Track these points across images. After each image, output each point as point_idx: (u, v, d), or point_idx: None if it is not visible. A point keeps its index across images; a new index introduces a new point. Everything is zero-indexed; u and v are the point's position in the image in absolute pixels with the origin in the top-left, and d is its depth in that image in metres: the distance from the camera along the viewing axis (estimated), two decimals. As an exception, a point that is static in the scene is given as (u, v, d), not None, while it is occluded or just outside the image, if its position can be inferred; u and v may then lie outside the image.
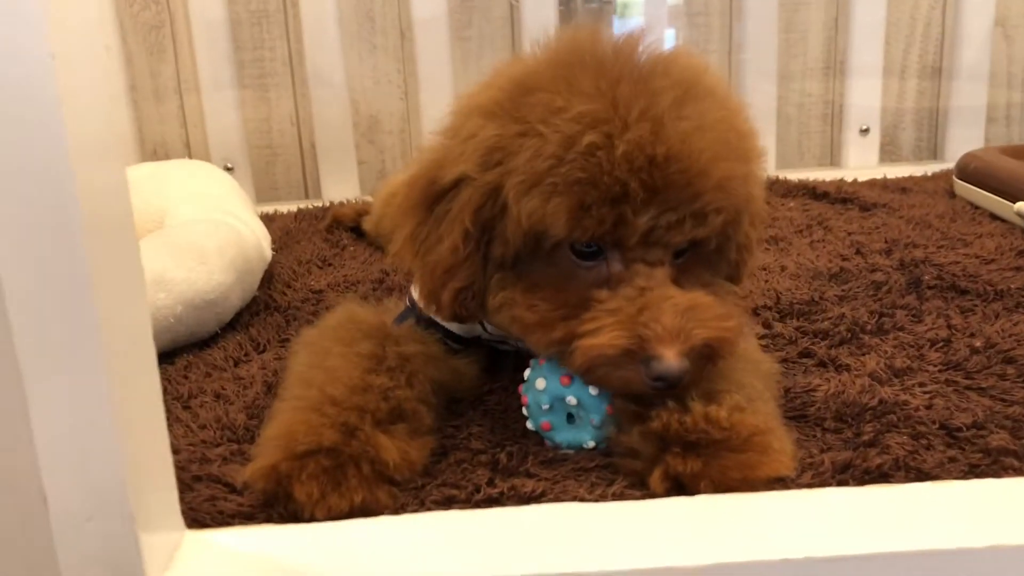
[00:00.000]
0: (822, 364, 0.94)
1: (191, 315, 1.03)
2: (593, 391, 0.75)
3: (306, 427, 0.71)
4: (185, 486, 0.75)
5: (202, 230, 1.09)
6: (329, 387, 0.75)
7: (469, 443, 0.80)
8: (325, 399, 0.74)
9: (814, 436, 0.79)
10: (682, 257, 0.75)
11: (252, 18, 1.88)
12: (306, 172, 1.98)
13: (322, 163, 1.90)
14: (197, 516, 0.70)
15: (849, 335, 1.00)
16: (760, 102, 1.95)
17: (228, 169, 1.85)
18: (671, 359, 0.67)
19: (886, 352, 0.95)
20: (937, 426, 0.78)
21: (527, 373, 0.79)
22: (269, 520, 0.69)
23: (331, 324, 0.86)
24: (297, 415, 0.73)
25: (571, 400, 0.76)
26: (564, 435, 0.77)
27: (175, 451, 0.82)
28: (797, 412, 0.83)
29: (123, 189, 0.56)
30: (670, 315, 0.69)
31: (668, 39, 1.94)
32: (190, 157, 1.84)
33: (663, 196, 0.69)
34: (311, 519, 0.68)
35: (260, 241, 1.22)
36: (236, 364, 1.02)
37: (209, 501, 0.72)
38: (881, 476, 0.71)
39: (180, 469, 0.77)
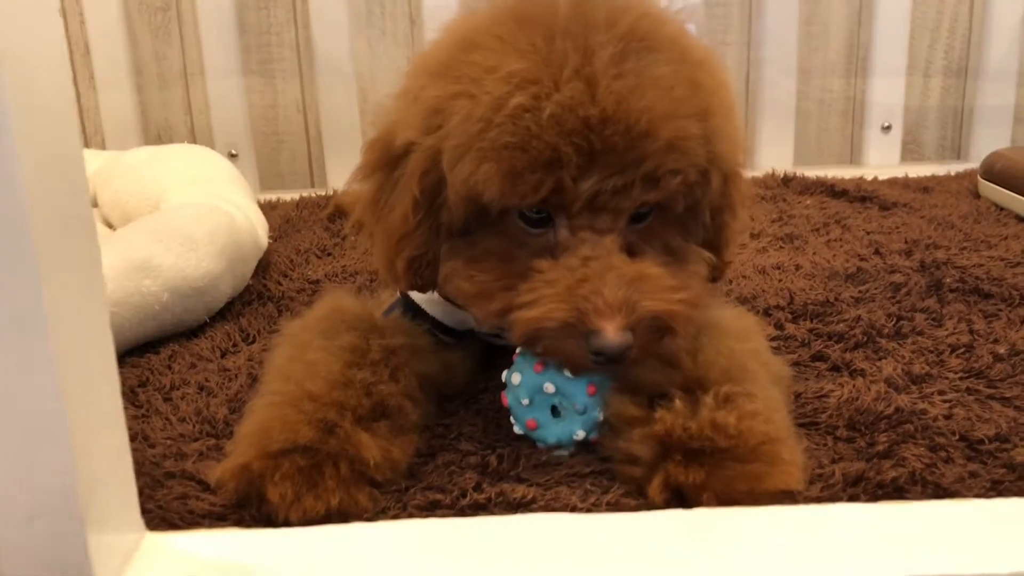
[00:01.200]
0: (835, 368, 0.90)
1: (178, 303, 0.99)
2: (569, 373, 0.71)
3: (281, 424, 0.67)
4: (156, 483, 0.71)
5: (192, 215, 1.05)
6: (308, 382, 0.71)
7: (459, 444, 0.76)
8: (303, 394, 0.70)
9: (825, 445, 0.75)
10: (643, 221, 0.71)
11: (259, 2, 1.84)
12: (312, 160, 1.94)
13: (328, 151, 1.86)
14: (166, 515, 0.66)
15: (865, 339, 0.96)
16: (779, 97, 1.89)
17: (232, 156, 1.82)
18: (610, 334, 0.63)
19: (904, 357, 0.90)
20: (957, 437, 0.74)
21: (505, 374, 0.75)
22: (241, 522, 0.66)
23: (315, 316, 0.82)
24: (273, 411, 0.69)
25: (549, 388, 0.72)
26: (552, 431, 0.73)
27: (150, 445, 0.78)
28: (808, 419, 0.79)
29: (78, 179, 0.52)
30: (613, 286, 0.64)
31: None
32: (194, 142, 1.80)
33: (603, 160, 0.65)
34: (285, 522, 0.64)
35: (255, 228, 1.18)
36: (223, 355, 0.99)
37: (180, 499, 0.69)
38: (895, 491, 0.66)
39: (153, 464, 0.74)
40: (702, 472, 0.64)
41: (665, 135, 0.65)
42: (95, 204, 1.44)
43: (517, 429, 0.75)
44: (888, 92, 1.92)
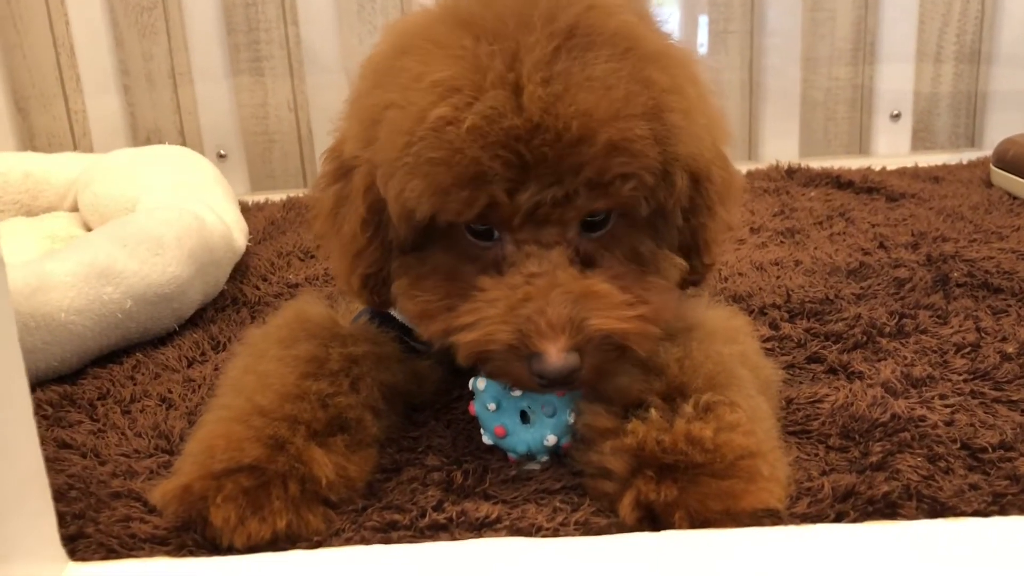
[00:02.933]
0: (832, 371, 0.85)
1: (143, 310, 0.95)
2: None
3: (226, 442, 0.63)
4: (101, 504, 0.67)
5: (161, 218, 1.01)
6: (258, 395, 0.66)
7: (425, 458, 0.72)
8: (252, 409, 0.65)
9: (816, 455, 0.70)
10: (601, 229, 0.65)
11: (247, -1, 1.80)
12: (304, 160, 1.90)
13: (320, 150, 1.80)
14: (104, 540, 0.63)
15: (864, 338, 0.91)
16: (783, 87, 1.83)
17: (221, 157, 1.78)
18: (552, 356, 0.59)
19: (905, 358, 0.85)
20: (958, 446, 0.69)
21: (472, 381, 0.70)
22: (183, 548, 0.62)
23: (276, 323, 0.78)
24: (219, 428, 0.65)
25: (515, 391, 0.68)
26: (522, 438, 0.69)
27: (101, 462, 0.74)
28: (799, 426, 0.74)
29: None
30: (557, 305, 0.60)
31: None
32: (183, 144, 1.77)
33: (537, 171, 0.60)
34: (230, 548, 0.60)
35: (230, 232, 1.14)
36: (190, 364, 0.95)
37: (122, 522, 0.65)
38: (888, 507, 0.61)
39: (100, 484, 0.70)
40: (675, 489, 0.59)
41: (603, 139, 0.59)
42: (75, 208, 1.41)
43: (486, 439, 0.71)
44: (897, 79, 1.85)
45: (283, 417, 0.65)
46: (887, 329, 0.92)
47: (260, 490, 0.61)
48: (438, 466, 0.70)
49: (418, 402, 0.79)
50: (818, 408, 0.76)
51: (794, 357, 0.88)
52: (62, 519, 0.64)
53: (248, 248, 1.28)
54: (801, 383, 0.83)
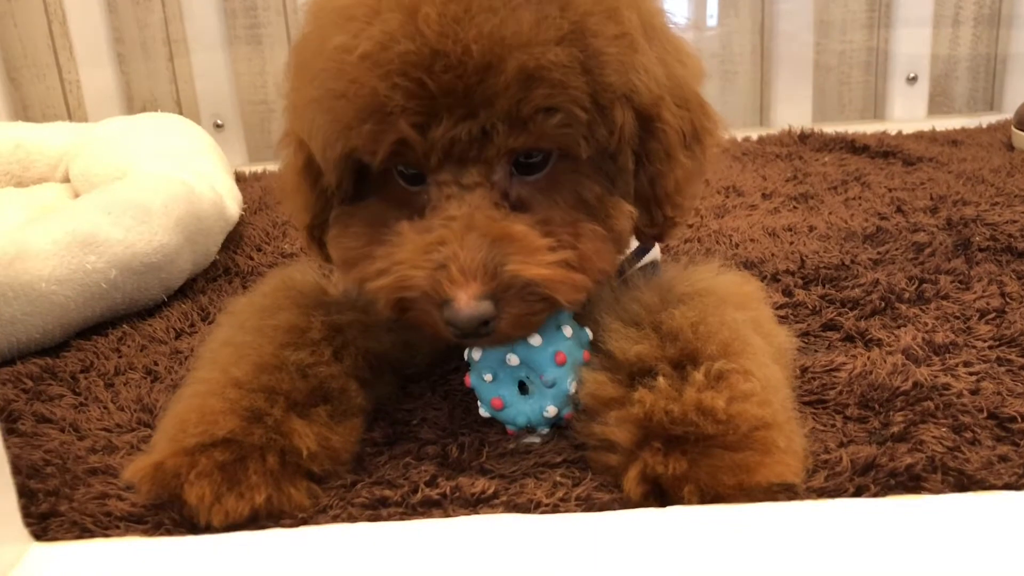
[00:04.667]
0: (849, 339, 0.81)
1: (129, 280, 0.91)
2: (534, 340, 0.63)
3: (199, 415, 0.59)
4: (77, 480, 0.64)
5: (147, 186, 0.98)
6: (233, 367, 0.63)
7: (419, 431, 0.68)
8: (227, 381, 0.62)
9: (833, 426, 0.66)
10: (539, 172, 0.61)
11: (243, -38, 1.75)
12: (304, 129, 1.85)
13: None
14: (78, 519, 0.59)
15: (883, 304, 0.87)
16: (796, 51, 1.78)
17: (218, 127, 1.74)
18: (462, 303, 0.55)
19: (926, 325, 0.81)
20: (985, 415, 0.65)
21: (467, 351, 0.66)
22: (160, 527, 0.58)
23: (260, 292, 0.74)
24: (193, 402, 0.61)
25: (512, 359, 0.64)
26: (521, 409, 0.65)
27: (80, 436, 0.71)
28: (815, 396, 0.71)
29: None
30: (471, 249, 0.56)
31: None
32: (180, 113, 1.72)
33: (445, 103, 0.55)
34: (208, 526, 0.56)
35: (222, 200, 1.10)
36: (178, 336, 0.91)
37: (98, 500, 0.61)
38: (911, 480, 0.57)
39: (77, 460, 0.67)
40: (684, 462, 0.56)
41: (513, 66, 0.54)
42: (67, 179, 1.37)
43: (483, 411, 0.67)
44: (914, 42, 1.79)
45: (260, 388, 0.61)
46: (906, 295, 0.88)
47: (236, 464, 0.57)
48: (432, 439, 0.67)
49: (411, 372, 0.76)
50: (835, 377, 0.72)
51: (809, 324, 0.85)
52: (34, 497, 0.61)
53: (243, 218, 1.24)
54: (816, 351, 0.79)
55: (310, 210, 0.67)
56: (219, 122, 1.75)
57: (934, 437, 0.61)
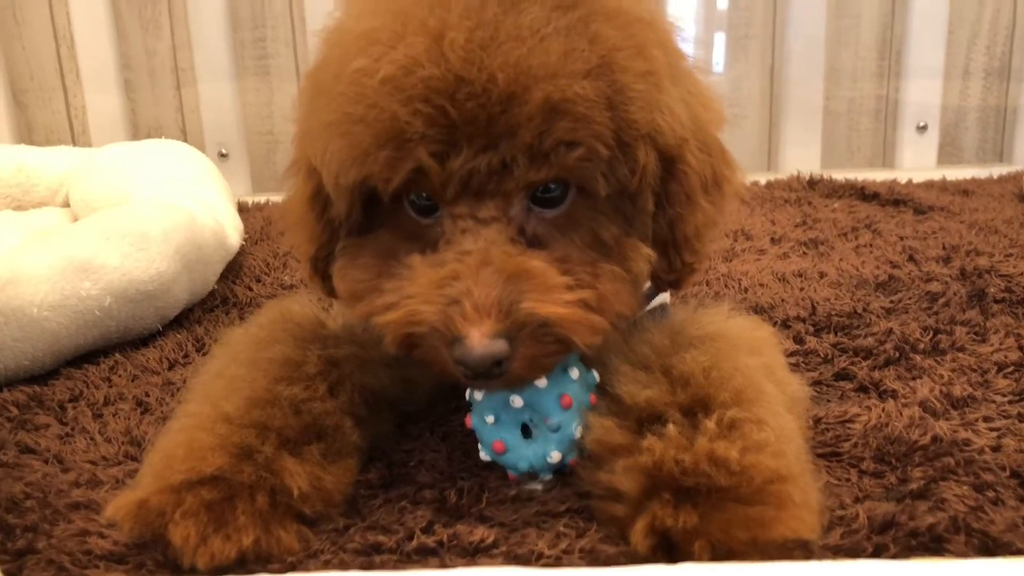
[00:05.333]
0: (862, 389, 0.79)
1: (124, 308, 0.89)
2: (539, 382, 0.61)
3: (187, 451, 0.57)
4: (57, 515, 0.62)
5: (147, 212, 0.96)
6: (224, 401, 0.60)
7: (417, 474, 0.66)
8: (217, 416, 0.59)
9: (847, 480, 0.64)
10: (556, 207, 0.59)
11: (253, -7, 1.75)
12: (309, 161, 1.84)
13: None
14: (55, 557, 0.57)
15: (897, 355, 0.84)
16: (806, 97, 1.77)
17: (223, 156, 1.73)
18: (475, 341, 0.53)
19: (942, 377, 0.79)
20: (1007, 474, 0.63)
21: (469, 391, 0.64)
22: (142, 567, 0.55)
23: (257, 323, 0.72)
24: (181, 436, 0.58)
25: (516, 401, 0.62)
26: (523, 454, 0.63)
27: (65, 469, 0.69)
28: (828, 448, 0.68)
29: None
30: (485, 285, 0.54)
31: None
32: (186, 141, 1.71)
33: (467, 132, 0.54)
34: (192, 568, 0.53)
35: (223, 229, 1.08)
36: (171, 367, 0.89)
37: (78, 537, 0.59)
38: (933, 541, 0.55)
39: (59, 493, 0.65)
40: (695, 515, 0.53)
41: (538, 97, 0.53)
42: (67, 203, 1.35)
43: (484, 454, 0.65)
44: (924, 92, 1.79)
45: (251, 424, 0.59)
46: (921, 346, 0.86)
47: (224, 504, 0.55)
48: (430, 483, 0.64)
49: (410, 411, 0.73)
50: (849, 428, 0.70)
51: (821, 373, 0.82)
52: (11, 532, 0.59)
53: (243, 248, 1.23)
54: (829, 401, 0.77)
55: (315, 241, 0.65)
56: (224, 151, 1.74)
57: (956, 495, 0.58)
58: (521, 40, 0.53)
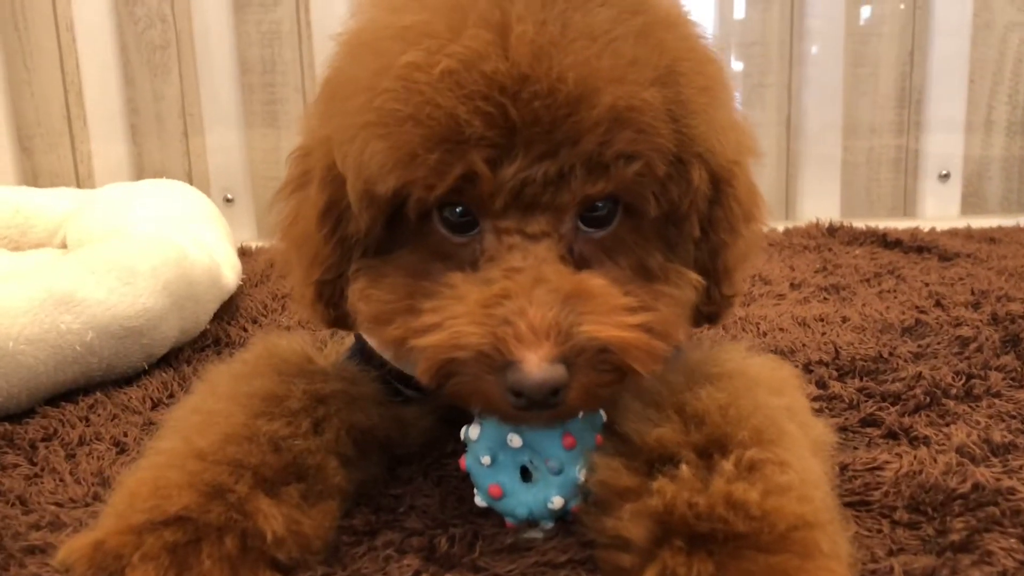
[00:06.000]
0: (891, 435, 0.75)
1: (107, 344, 0.85)
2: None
3: (152, 489, 0.52)
4: (11, 559, 0.57)
5: (136, 246, 0.92)
6: (198, 436, 0.55)
7: (405, 520, 0.61)
8: (189, 452, 0.55)
9: (879, 531, 0.59)
10: (604, 227, 0.55)
11: (263, 39, 1.74)
12: (317, 208, 1.81)
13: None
14: (4, 605, 0.51)
15: (928, 400, 0.79)
16: (822, 150, 1.73)
17: (228, 201, 1.70)
18: (533, 366, 0.47)
19: (978, 423, 0.74)
20: (1058, 526, 0.56)
21: (464, 430, 0.59)
22: (96, 617, 0.49)
23: (241, 358, 0.67)
24: (148, 473, 0.53)
25: (514, 441, 0.57)
26: (522, 499, 0.58)
27: (27, 511, 0.65)
28: (856, 497, 0.63)
29: None
30: (541, 305, 0.49)
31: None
32: (191, 184, 1.69)
33: (527, 136, 0.50)
34: (151, 618, 0.48)
35: (218, 267, 1.04)
36: (154, 406, 0.84)
37: (29, 583, 0.53)
38: (981, 598, 0.48)
39: (15, 536, 0.60)
40: (710, 564, 0.48)
41: (606, 102, 0.49)
42: (64, 245, 1.32)
43: (479, 500, 0.59)
44: (945, 143, 1.75)
45: (225, 461, 0.54)
46: (953, 391, 0.81)
47: (188, 547, 0.50)
48: (419, 529, 0.59)
49: (402, 453, 0.68)
50: (879, 476, 0.65)
51: (846, 419, 0.77)
52: (-43, 577, 0.53)
53: (242, 289, 1.19)
54: (856, 448, 0.72)
55: (323, 262, 0.59)
56: (229, 196, 1.72)
57: (1003, 548, 0.53)
58: (593, 38, 0.50)
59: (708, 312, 0.61)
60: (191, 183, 1.75)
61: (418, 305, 0.52)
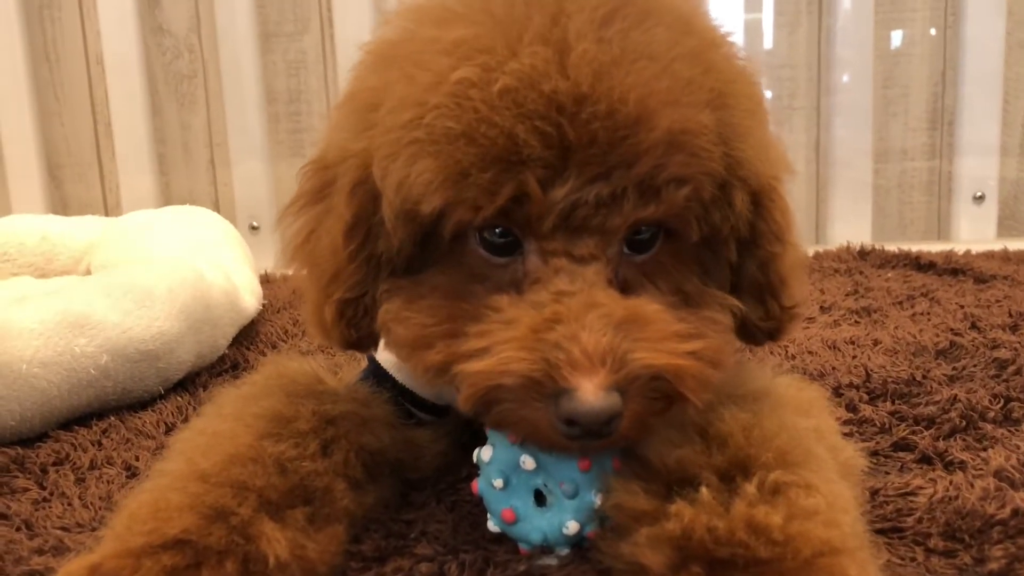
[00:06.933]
0: (925, 460, 0.72)
1: (122, 368, 0.84)
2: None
3: (152, 511, 0.50)
4: (11, 586, 0.54)
5: (154, 269, 0.92)
6: (202, 457, 0.54)
7: (416, 546, 0.59)
8: (192, 473, 0.53)
9: (912, 559, 0.57)
10: (646, 251, 0.53)
11: (289, 68, 1.75)
12: (342, 235, 1.81)
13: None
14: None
15: (964, 423, 0.76)
16: (852, 175, 1.70)
17: (253, 229, 1.70)
18: (588, 394, 0.46)
19: (1017, 447, 0.71)
20: (1105, 554, 0.52)
21: (476, 452, 0.57)
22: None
23: (251, 380, 0.66)
24: (149, 496, 0.52)
25: (527, 463, 0.55)
26: (536, 524, 0.56)
27: (32, 535, 0.63)
28: (888, 523, 0.61)
29: None
30: (595, 331, 0.47)
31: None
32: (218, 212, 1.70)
33: (581, 157, 0.48)
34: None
35: (236, 291, 1.03)
36: (168, 431, 0.83)
37: (27, 608, 0.51)
38: (1022, 630, 0.45)
39: (17, 560, 0.59)
40: (732, 592, 0.45)
41: (664, 124, 0.48)
42: (88, 272, 1.32)
43: (492, 525, 0.57)
44: (979, 166, 1.71)
45: (228, 482, 0.53)
46: (991, 414, 0.78)
47: (188, 571, 0.48)
48: (430, 556, 0.57)
49: (415, 477, 0.66)
50: (911, 502, 0.62)
51: (877, 443, 0.75)
52: (-45, 601, 0.52)
53: (263, 315, 1.18)
54: (888, 473, 0.69)
55: (348, 279, 0.56)
56: (255, 224, 1.72)
57: (1045, 577, 0.49)
58: (652, 59, 0.49)
59: (768, 328, 0.60)
60: (218, 211, 1.76)
61: (462, 329, 0.50)
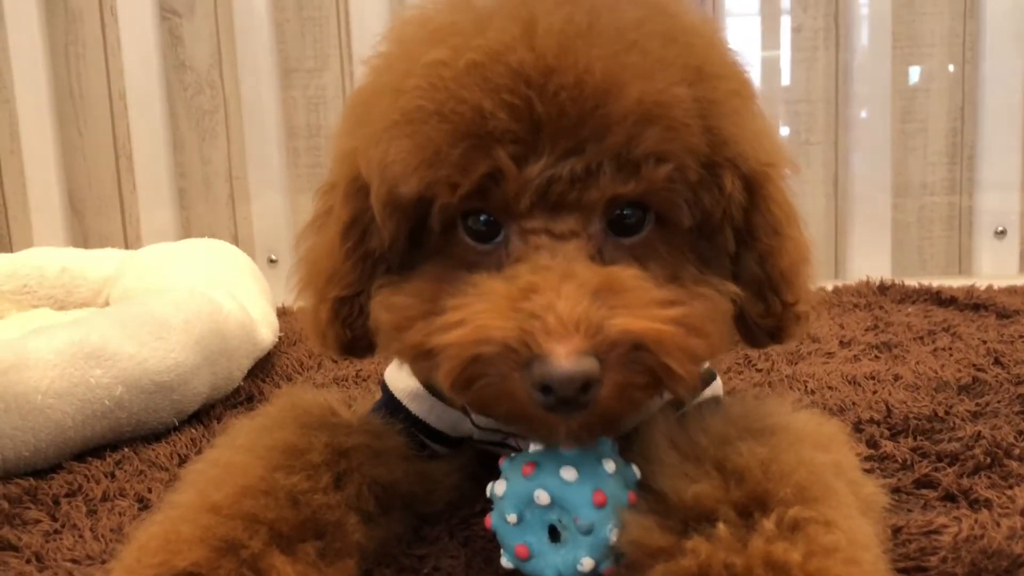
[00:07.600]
0: (949, 497, 0.70)
1: (137, 399, 0.84)
2: (568, 474, 0.53)
3: (161, 543, 0.50)
4: (19, 619, 0.54)
5: (169, 300, 0.92)
6: (214, 489, 0.53)
7: None
8: (203, 505, 0.53)
9: None
10: (635, 234, 0.53)
11: (309, 104, 1.77)
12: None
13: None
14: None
15: (989, 460, 0.75)
16: (871, 211, 1.69)
17: (272, 262, 1.71)
18: (560, 358, 0.45)
19: None
20: None
21: (490, 486, 0.56)
22: None
23: (264, 412, 0.65)
24: (159, 528, 0.52)
25: (542, 497, 0.54)
26: (550, 560, 0.54)
27: (41, 567, 0.62)
28: (911, 562, 0.59)
29: None
30: (570, 299, 0.47)
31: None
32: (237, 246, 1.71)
33: (553, 130, 0.48)
34: None
35: (253, 323, 1.03)
36: (181, 463, 0.82)
37: (32, 642, 0.51)
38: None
39: None
40: (749, 633, 0.44)
41: (634, 94, 0.48)
42: (107, 303, 1.33)
43: (506, 561, 0.56)
44: (1000, 200, 1.70)
45: (239, 515, 0.52)
46: (1016, 451, 0.76)
47: None
48: (442, 592, 0.55)
49: (428, 512, 0.65)
50: (936, 540, 0.60)
51: (899, 480, 0.73)
52: (-38, 634, 0.52)
53: (278, 348, 1.18)
54: (910, 510, 0.68)
55: (343, 278, 0.57)
56: (273, 257, 1.73)
57: (1076, 620, 0.48)
58: (620, 33, 0.49)
59: (769, 326, 0.58)
60: (237, 245, 1.78)
61: (440, 307, 0.50)
